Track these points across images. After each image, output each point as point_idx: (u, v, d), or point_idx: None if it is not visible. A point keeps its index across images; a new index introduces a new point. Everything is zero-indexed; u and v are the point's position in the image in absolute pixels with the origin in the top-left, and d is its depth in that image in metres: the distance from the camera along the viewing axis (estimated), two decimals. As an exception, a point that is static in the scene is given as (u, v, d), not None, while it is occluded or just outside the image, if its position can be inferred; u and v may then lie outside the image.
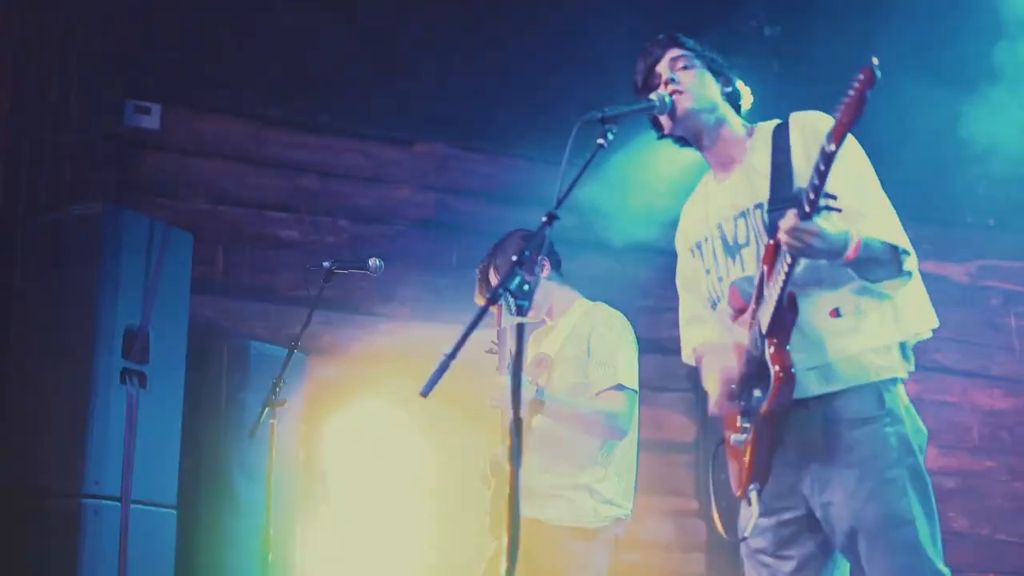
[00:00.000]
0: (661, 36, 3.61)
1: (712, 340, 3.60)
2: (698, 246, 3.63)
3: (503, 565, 2.73)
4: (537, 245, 3.17)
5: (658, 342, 7.43)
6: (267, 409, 4.89)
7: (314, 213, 6.82)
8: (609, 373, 4.56)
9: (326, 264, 4.95)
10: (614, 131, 3.22)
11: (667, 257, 7.48)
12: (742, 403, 3.30)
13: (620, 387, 4.54)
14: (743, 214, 3.44)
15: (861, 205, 3.23)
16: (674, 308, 7.59)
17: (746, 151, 3.51)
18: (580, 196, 7.13)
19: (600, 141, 3.20)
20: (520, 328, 2.95)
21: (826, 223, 3.02)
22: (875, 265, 3.20)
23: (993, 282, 8.51)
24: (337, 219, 6.86)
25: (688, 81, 3.48)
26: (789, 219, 3.01)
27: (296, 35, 6.51)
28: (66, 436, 5.08)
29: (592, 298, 4.96)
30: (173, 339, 5.54)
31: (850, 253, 3.08)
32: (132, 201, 6.17)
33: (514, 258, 2.97)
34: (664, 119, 3.50)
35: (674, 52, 3.54)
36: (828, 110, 2.97)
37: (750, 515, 3.27)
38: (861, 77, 2.84)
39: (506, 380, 4.28)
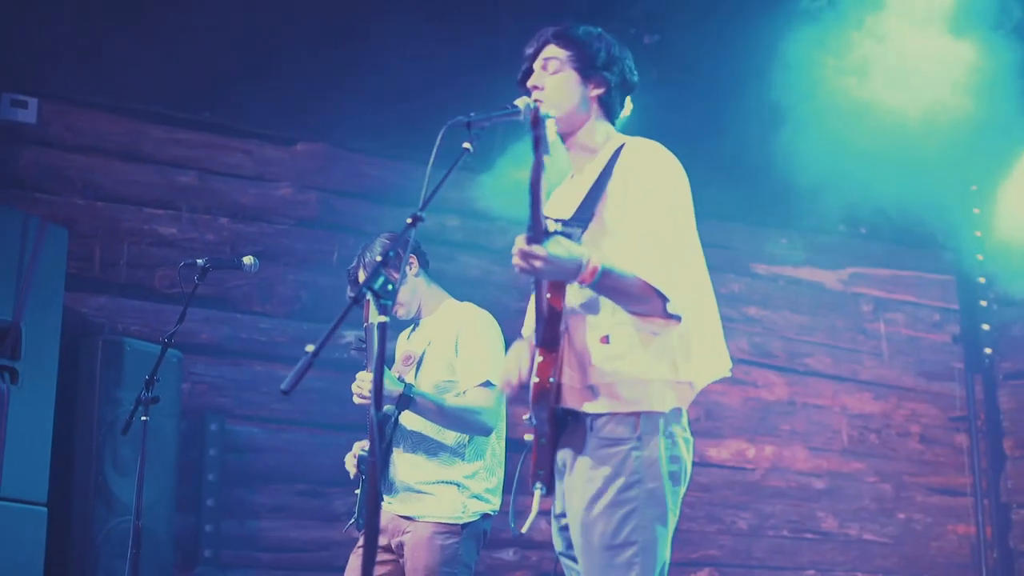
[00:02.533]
0: (548, 29, 3.54)
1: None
2: None
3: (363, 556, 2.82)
4: (402, 245, 3.24)
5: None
6: (139, 406, 4.84)
7: (194, 210, 6.77)
8: (475, 370, 4.61)
9: (200, 261, 4.92)
10: (480, 135, 3.28)
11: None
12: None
13: (487, 384, 4.58)
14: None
15: (636, 236, 3.24)
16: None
17: (588, 163, 3.50)
18: (461, 198, 7.28)
19: (466, 145, 3.26)
20: (383, 326, 2.99)
21: (556, 246, 3.03)
22: (625, 297, 3.19)
23: (864, 289, 8.73)
24: (217, 217, 6.82)
25: (552, 88, 3.45)
26: (518, 242, 3.03)
27: (178, 30, 6.45)
28: (-67, 432, 5.03)
29: (469, 298, 5.01)
30: (46, 335, 5.50)
31: (584, 276, 3.07)
32: (8, 196, 6.10)
33: (378, 258, 3.03)
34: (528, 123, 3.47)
35: (548, 50, 3.49)
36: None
37: (530, 512, 3.27)
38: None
39: (371, 376, 4.31)
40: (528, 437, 3.34)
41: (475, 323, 4.76)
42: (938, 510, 8.61)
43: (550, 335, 3.22)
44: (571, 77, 3.47)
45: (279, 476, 6.76)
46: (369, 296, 3.06)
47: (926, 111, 6.95)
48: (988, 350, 8.81)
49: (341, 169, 7.18)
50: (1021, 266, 8.27)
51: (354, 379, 4.56)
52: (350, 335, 5.70)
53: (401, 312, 4.83)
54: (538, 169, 3.00)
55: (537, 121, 3.20)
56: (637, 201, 3.22)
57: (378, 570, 4.58)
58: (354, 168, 7.23)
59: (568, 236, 3.16)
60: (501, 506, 4.72)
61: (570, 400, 3.27)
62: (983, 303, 8.86)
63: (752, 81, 6.76)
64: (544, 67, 3.48)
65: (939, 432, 8.77)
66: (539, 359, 3.21)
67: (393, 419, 4.67)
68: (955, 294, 8.96)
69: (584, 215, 3.29)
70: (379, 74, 6.80)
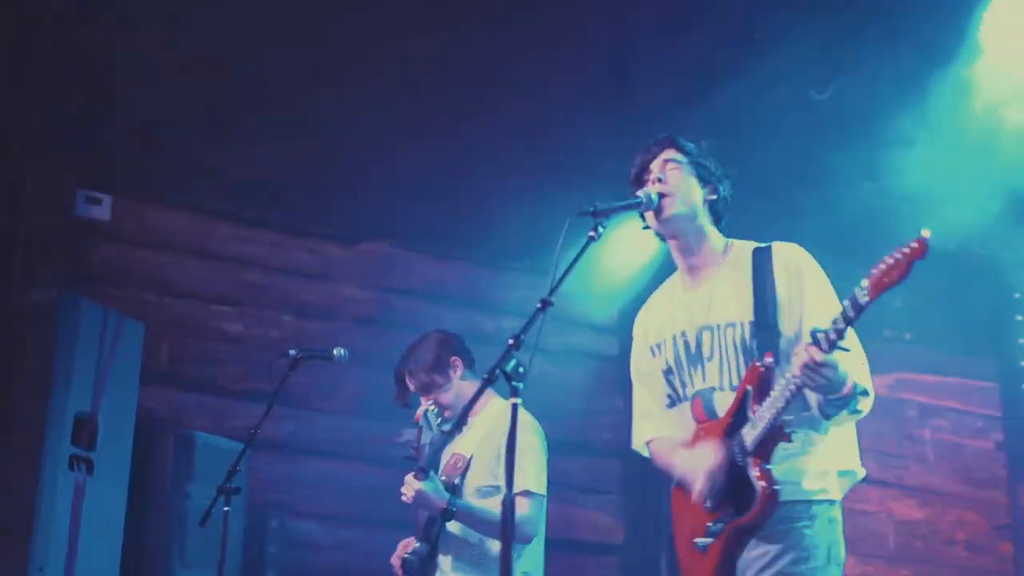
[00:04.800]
0: (663, 135, 3.74)
1: (664, 434, 3.75)
2: (658, 346, 3.75)
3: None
4: (527, 328, 3.31)
5: (588, 444, 7.61)
6: (220, 496, 4.89)
7: (258, 307, 6.88)
8: (518, 479, 4.60)
9: (292, 352, 4.99)
10: (605, 224, 3.39)
11: (598, 362, 7.78)
12: (709, 507, 3.44)
13: (528, 493, 4.60)
14: (709, 328, 3.59)
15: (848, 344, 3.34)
16: (604, 412, 7.73)
17: (720, 265, 3.66)
18: (521, 298, 7.35)
19: (592, 234, 3.38)
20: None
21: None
22: (844, 402, 3.33)
23: (910, 395, 8.78)
24: (281, 314, 6.93)
25: (675, 182, 3.61)
26: (814, 353, 3.13)
27: (248, 133, 6.63)
28: (13, 521, 5.09)
29: (524, 400, 5.05)
30: (121, 427, 5.58)
31: (845, 391, 3.24)
32: (82, 290, 6.22)
33: (510, 341, 3.11)
34: (649, 215, 3.63)
35: (668, 153, 3.66)
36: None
37: None
38: (914, 246, 2.96)
39: (420, 483, 4.47)
40: (701, 541, 3.49)
41: (520, 429, 4.77)
42: (984, 617, 8.58)
43: (772, 444, 3.38)
44: (692, 178, 3.66)
45: (336, 573, 6.78)
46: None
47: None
48: (1033, 458, 8.84)
49: (400, 268, 7.31)
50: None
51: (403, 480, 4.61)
52: (408, 433, 5.74)
53: (449, 414, 4.86)
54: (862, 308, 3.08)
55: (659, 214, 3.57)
56: (818, 304, 3.41)
57: None
58: (413, 267, 7.36)
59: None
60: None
61: None
62: (1029, 410, 8.91)
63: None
64: (663, 167, 3.64)
65: (984, 540, 8.75)
66: (755, 470, 3.36)
67: (439, 523, 4.69)
68: (998, 401, 9.00)
69: (766, 319, 3.48)
70: (436, 176, 6.99)
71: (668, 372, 3.71)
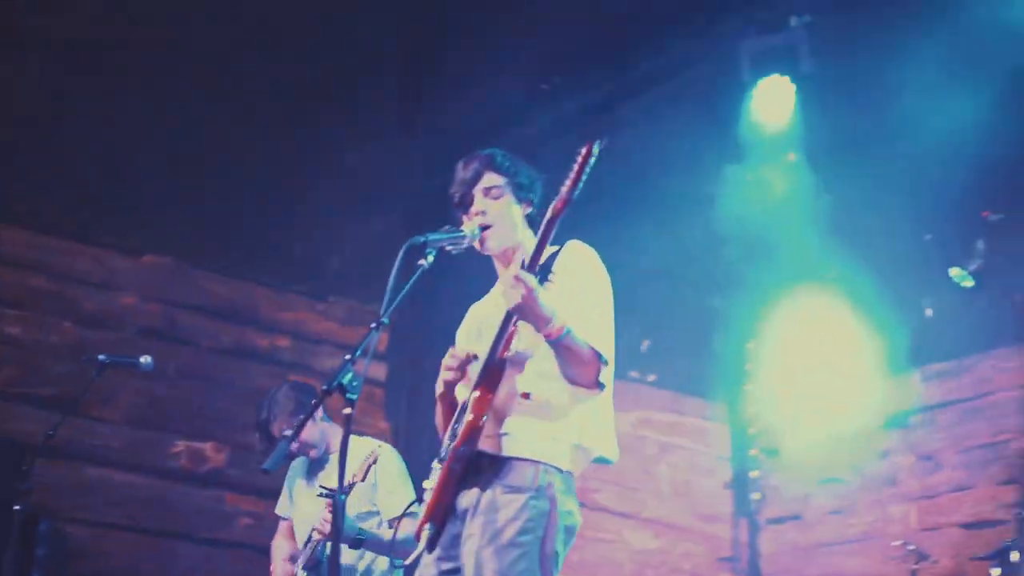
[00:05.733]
0: (483, 153, 3.96)
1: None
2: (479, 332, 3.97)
3: None
4: (362, 345, 3.59)
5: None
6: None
7: (40, 312, 6.89)
8: (398, 504, 4.98)
9: (101, 357, 5.11)
10: (434, 253, 3.70)
11: (368, 386, 8.05)
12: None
13: (412, 515, 4.96)
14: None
15: (579, 308, 3.64)
16: (370, 435, 7.97)
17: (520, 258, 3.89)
18: (294, 320, 7.52)
19: (421, 262, 3.67)
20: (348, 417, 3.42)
21: (542, 292, 3.51)
22: (575, 360, 3.59)
23: (650, 432, 9.38)
24: (63, 320, 6.96)
25: (495, 212, 3.87)
26: (512, 268, 3.52)
27: (40, 139, 6.68)
28: None
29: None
30: None
31: (553, 329, 3.49)
32: None
33: (347, 357, 3.41)
34: (475, 244, 3.89)
35: (488, 179, 3.90)
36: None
37: (416, 549, 3.71)
38: (583, 151, 3.46)
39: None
40: (429, 484, 3.71)
41: (388, 457, 5.17)
42: (702, 645, 9.22)
43: (493, 378, 3.62)
44: (510, 200, 3.92)
45: (104, 580, 6.84)
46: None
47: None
48: (756, 496, 9.58)
49: (183, 282, 7.41)
50: (780, 421, 9.16)
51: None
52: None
53: (313, 453, 5.22)
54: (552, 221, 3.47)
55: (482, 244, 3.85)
56: (574, 276, 3.74)
57: None
58: (194, 282, 7.47)
59: None
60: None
61: (483, 444, 3.64)
62: (752, 452, 9.65)
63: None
64: (486, 194, 3.89)
65: (707, 570, 9.41)
66: (476, 395, 3.61)
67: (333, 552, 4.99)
68: (728, 442, 9.71)
69: None
70: (227, 194, 7.18)
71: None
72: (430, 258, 3.68)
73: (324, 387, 3.44)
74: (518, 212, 3.94)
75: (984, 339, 8.07)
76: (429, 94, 7.31)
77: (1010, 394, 8.00)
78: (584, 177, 3.48)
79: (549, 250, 3.83)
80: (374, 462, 5.02)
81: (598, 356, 3.63)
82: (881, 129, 6.68)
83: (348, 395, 3.43)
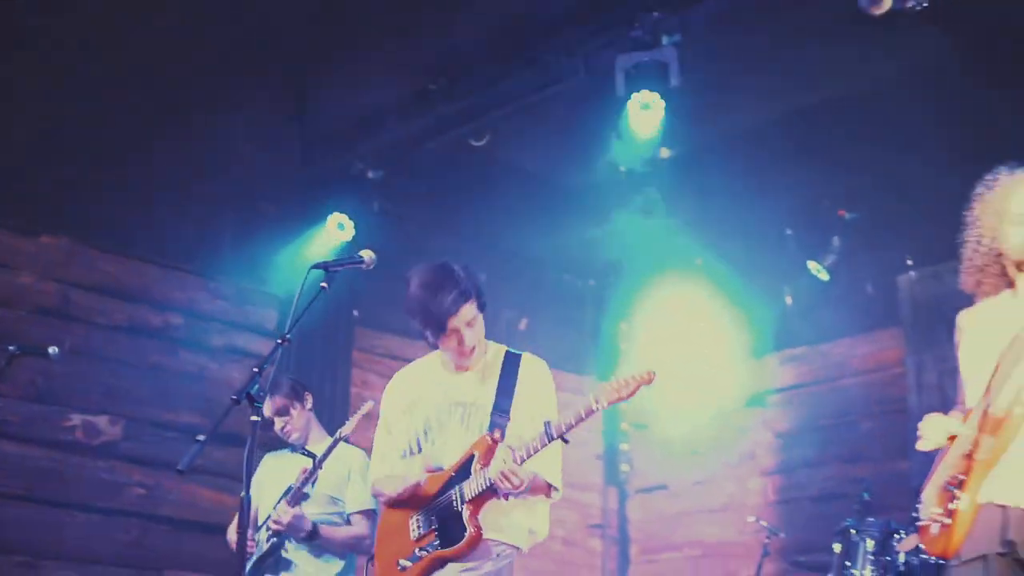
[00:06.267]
0: (461, 289, 4.43)
1: (393, 473, 4.63)
2: (413, 405, 4.63)
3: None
4: (270, 363, 4.03)
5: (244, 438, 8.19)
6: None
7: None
8: (356, 501, 5.71)
9: (10, 348, 5.37)
10: (333, 278, 4.23)
11: (256, 361, 8.34)
12: (421, 534, 4.42)
13: (367, 512, 5.71)
14: (463, 405, 4.51)
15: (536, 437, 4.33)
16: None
17: (480, 357, 4.57)
18: (186, 298, 7.76)
19: (323, 285, 4.18)
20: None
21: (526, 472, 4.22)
22: (535, 492, 4.40)
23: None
24: (-47, 300, 7.11)
25: (475, 338, 4.47)
26: (509, 463, 4.16)
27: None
28: None
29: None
30: None
31: (524, 489, 4.22)
32: None
33: (255, 369, 3.84)
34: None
35: (468, 312, 4.43)
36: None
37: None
38: (645, 376, 4.09)
39: (292, 510, 5.45)
40: (403, 562, 4.45)
41: (352, 456, 5.75)
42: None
43: (485, 500, 4.33)
44: (479, 318, 4.49)
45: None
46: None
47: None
48: (625, 467, 10.10)
49: (79, 262, 7.60)
50: (649, 398, 9.64)
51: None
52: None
53: (295, 437, 5.82)
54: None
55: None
56: (541, 410, 4.44)
57: None
58: (91, 262, 7.65)
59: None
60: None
61: None
62: (623, 426, 10.16)
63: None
64: (469, 325, 4.44)
65: (578, 537, 9.90)
66: (467, 512, 4.32)
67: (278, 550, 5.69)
68: (600, 416, 10.10)
69: (503, 405, 4.41)
70: (120, 178, 7.41)
71: (425, 431, 4.59)
72: (329, 282, 4.20)
73: (234, 397, 3.87)
74: (482, 324, 4.55)
75: (837, 327, 8.67)
76: (314, 85, 7.62)
77: (859, 379, 8.64)
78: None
79: (499, 348, 4.62)
80: (352, 461, 5.71)
81: (551, 487, 4.46)
82: (745, 134, 7.22)
83: (255, 403, 3.86)
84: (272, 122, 7.94)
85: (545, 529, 4.57)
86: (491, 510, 4.34)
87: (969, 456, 3.67)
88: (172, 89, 7.36)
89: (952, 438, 3.79)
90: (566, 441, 4.24)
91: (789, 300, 8.86)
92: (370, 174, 7.85)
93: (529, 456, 4.18)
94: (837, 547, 6.35)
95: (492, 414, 4.41)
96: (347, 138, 7.89)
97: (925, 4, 5.43)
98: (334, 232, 7.86)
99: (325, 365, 8.19)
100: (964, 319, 4.00)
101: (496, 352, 4.62)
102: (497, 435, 4.34)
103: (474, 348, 4.48)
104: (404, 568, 4.41)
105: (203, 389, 7.90)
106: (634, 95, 6.26)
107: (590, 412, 4.16)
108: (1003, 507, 3.64)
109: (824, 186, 7.83)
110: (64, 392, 7.35)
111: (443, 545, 4.34)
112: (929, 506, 3.74)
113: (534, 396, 4.50)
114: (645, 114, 6.39)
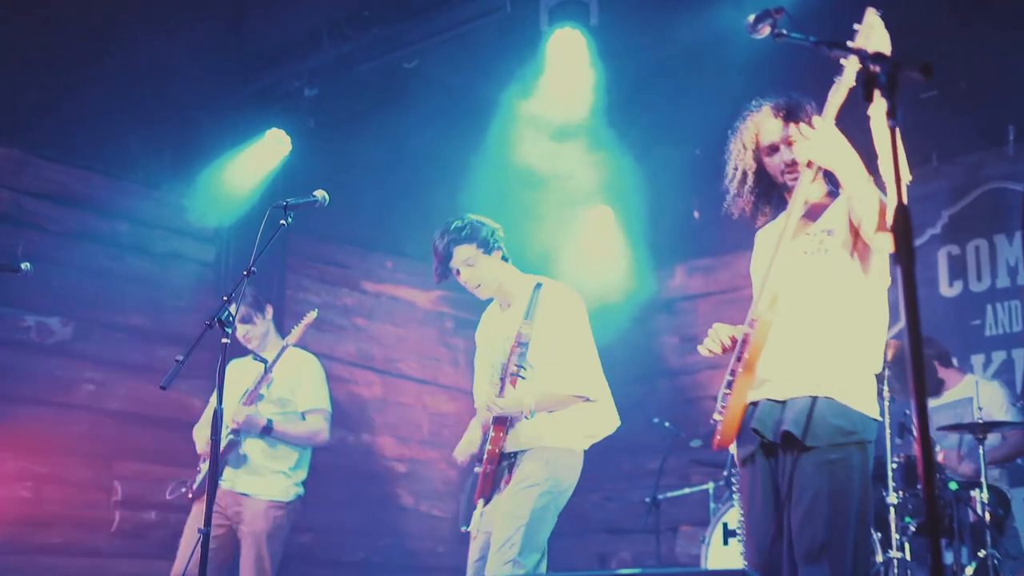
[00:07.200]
0: (455, 229, 5.19)
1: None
2: (482, 345, 5.49)
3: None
4: (239, 292, 4.60)
5: (186, 337, 8.65)
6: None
7: None
8: (311, 400, 6.54)
9: (-10, 265, 5.82)
10: (292, 216, 4.74)
11: (198, 266, 8.79)
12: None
13: (318, 410, 6.55)
14: (506, 339, 5.18)
15: (559, 359, 5.04)
16: (200, 310, 8.67)
17: (516, 296, 5.24)
18: (134, 206, 8.18)
19: (283, 222, 4.75)
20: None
21: (504, 400, 4.98)
22: (559, 407, 5.06)
23: (448, 309, 10.41)
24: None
25: (479, 277, 5.19)
26: (492, 398, 4.98)
27: None
28: None
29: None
30: None
31: (524, 413, 4.97)
32: None
33: (224, 298, 4.44)
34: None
35: (464, 252, 5.16)
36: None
37: (476, 519, 5.09)
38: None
39: (248, 409, 6.16)
40: (477, 469, 5.15)
41: (308, 362, 6.58)
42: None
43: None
44: (486, 259, 5.17)
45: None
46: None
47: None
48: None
49: (30, 172, 7.98)
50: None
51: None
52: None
53: (254, 344, 6.47)
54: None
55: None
56: (554, 325, 5.08)
57: None
58: (40, 172, 8.04)
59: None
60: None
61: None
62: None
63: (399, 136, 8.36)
64: (466, 265, 5.17)
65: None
66: (492, 434, 5.07)
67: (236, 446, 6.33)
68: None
69: (523, 343, 5.04)
70: (70, 91, 7.79)
71: (485, 364, 5.44)
72: (290, 219, 4.80)
73: (207, 322, 4.51)
74: (492, 263, 5.20)
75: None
76: (253, 4, 8.07)
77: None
78: None
79: (525, 284, 5.26)
80: (304, 365, 6.45)
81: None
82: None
83: (225, 328, 4.45)
84: (214, 41, 8.36)
85: (590, 430, 5.18)
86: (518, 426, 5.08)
87: (739, 359, 4.04)
88: (119, 6, 7.74)
89: (734, 342, 4.16)
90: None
91: (697, 215, 9.50)
92: (306, 92, 8.27)
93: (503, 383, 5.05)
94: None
95: (514, 347, 5.06)
96: (285, 57, 8.33)
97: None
98: (272, 146, 8.36)
99: (262, 270, 8.64)
100: (757, 237, 4.46)
101: (528, 286, 5.22)
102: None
103: (480, 286, 5.20)
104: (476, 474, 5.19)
105: (148, 292, 8.36)
106: (557, 30, 6.79)
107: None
108: (755, 404, 4.08)
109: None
110: (18, 295, 7.72)
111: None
112: (717, 405, 4.11)
113: (545, 323, 5.08)
114: (566, 51, 6.93)
